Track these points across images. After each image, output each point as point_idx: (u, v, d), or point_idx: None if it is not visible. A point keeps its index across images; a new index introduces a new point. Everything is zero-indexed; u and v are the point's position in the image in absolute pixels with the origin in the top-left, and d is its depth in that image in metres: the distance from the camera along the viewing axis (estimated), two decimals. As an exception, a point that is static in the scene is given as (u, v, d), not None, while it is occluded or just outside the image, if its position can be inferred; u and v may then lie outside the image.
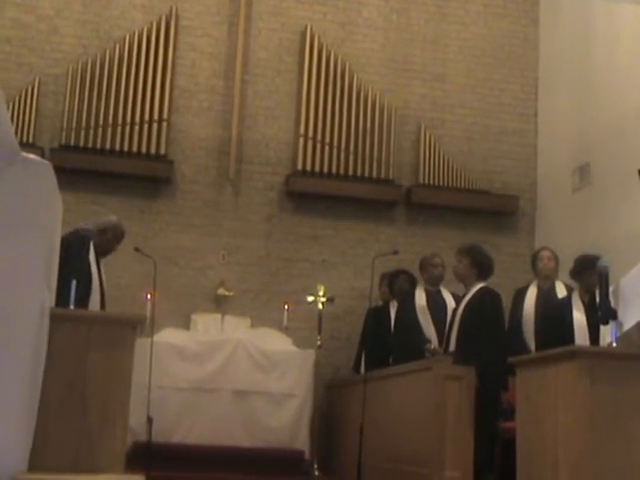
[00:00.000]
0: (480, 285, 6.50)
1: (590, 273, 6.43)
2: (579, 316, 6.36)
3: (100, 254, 6.57)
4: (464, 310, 6.47)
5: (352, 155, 9.73)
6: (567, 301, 6.59)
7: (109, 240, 6.67)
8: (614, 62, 8.73)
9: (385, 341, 7.85)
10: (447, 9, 10.40)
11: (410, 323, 7.40)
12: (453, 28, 10.37)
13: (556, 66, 10.04)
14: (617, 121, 8.54)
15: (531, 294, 7.20)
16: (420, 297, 7.53)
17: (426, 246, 9.74)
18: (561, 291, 7.02)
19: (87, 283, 5.87)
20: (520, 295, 7.30)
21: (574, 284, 6.75)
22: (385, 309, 8.34)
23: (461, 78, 10.28)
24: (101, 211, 8.97)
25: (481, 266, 6.58)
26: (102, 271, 6.63)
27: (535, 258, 7.35)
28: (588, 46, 9.24)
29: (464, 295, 6.63)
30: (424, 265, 7.79)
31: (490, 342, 6.15)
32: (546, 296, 7.04)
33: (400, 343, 7.47)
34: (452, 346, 6.46)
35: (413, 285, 7.99)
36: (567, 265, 6.81)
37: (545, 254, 7.28)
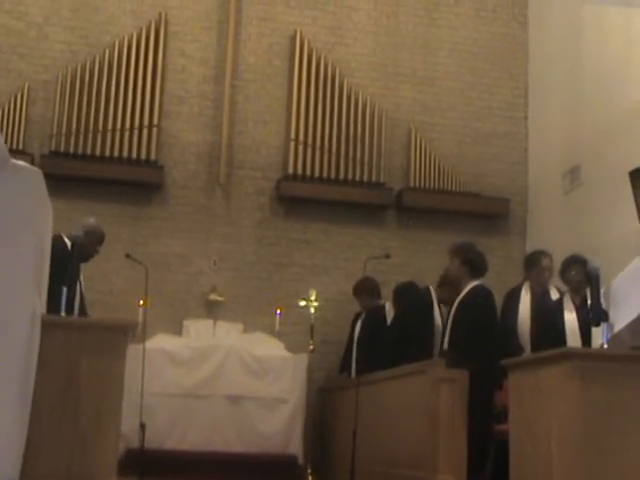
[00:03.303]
0: (474, 284, 6.47)
1: (570, 270, 6.47)
2: (571, 318, 6.37)
3: (82, 259, 6.54)
4: (456, 310, 6.46)
5: (343, 159, 9.74)
6: (559, 304, 6.59)
7: (91, 243, 6.65)
8: (604, 65, 8.75)
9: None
10: (437, 13, 10.42)
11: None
12: (443, 32, 10.39)
13: (546, 69, 10.07)
14: (607, 123, 8.57)
15: (525, 298, 7.11)
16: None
17: (417, 250, 9.79)
18: (554, 294, 7.00)
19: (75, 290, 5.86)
20: (513, 297, 7.17)
21: (564, 287, 6.76)
22: (381, 312, 8.35)
23: (451, 81, 10.30)
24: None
25: (473, 264, 6.53)
26: (81, 275, 6.60)
27: (534, 264, 7.09)
28: (578, 49, 9.26)
29: (458, 294, 6.60)
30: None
31: (482, 342, 6.13)
32: (540, 299, 7.01)
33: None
34: (445, 345, 6.46)
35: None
36: (558, 267, 6.84)
37: (547, 265, 7.02)
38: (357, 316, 8.86)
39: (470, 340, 6.16)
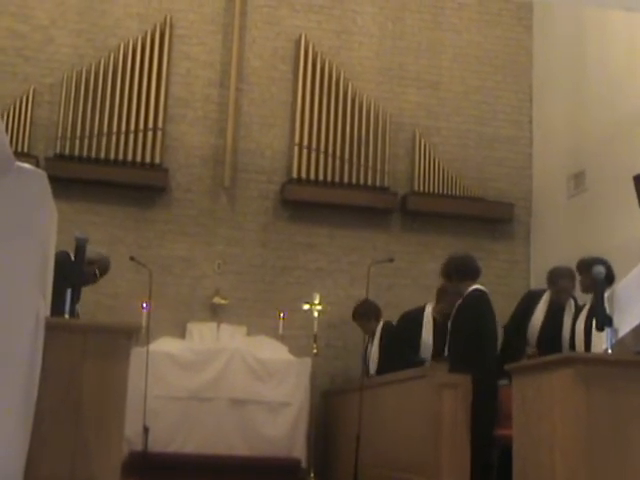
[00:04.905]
0: (471, 288, 6.51)
1: (580, 275, 6.48)
2: (580, 323, 6.36)
3: (82, 281, 6.49)
4: (453, 316, 6.57)
5: (347, 163, 9.74)
6: (577, 311, 6.58)
7: (94, 273, 6.62)
8: (607, 69, 8.75)
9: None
10: (442, 17, 10.42)
11: None
12: (447, 36, 10.39)
13: (550, 73, 10.06)
14: (611, 128, 8.56)
15: (543, 306, 7.03)
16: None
17: (422, 253, 9.78)
18: (569, 307, 6.89)
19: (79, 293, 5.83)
20: (532, 302, 7.04)
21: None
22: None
23: (456, 86, 10.30)
24: (96, 221, 9.00)
25: (457, 273, 6.58)
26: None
27: (553, 282, 6.90)
28: (582, 53, 9.26)
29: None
30: None
31: (477, 347, 6.16)
32: (554, 311, 6.94)
33: None
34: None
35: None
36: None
37: (564, 286, 6.82)
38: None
39: (466, 345, 6.19)
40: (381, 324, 8.41)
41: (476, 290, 6.48)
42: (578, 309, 6.63)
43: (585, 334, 6.11)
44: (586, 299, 6.65)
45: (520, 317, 6.99)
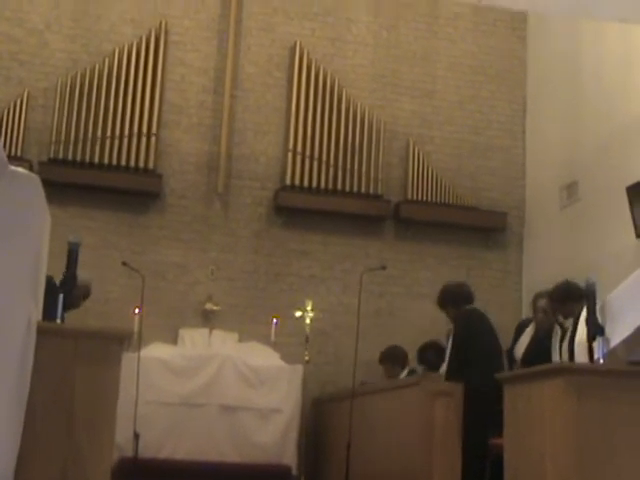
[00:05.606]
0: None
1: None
2: (565, 343, 6.37)
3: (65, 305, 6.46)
4: (451, 335, 6.77)
5: (341, 170, 9.75)
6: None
7: (77, 296, 6.58)
8: (601, 80, 8.79)
9: None
10: (436, 26, 10.45)
11: None
12: (442, 45, 10.42)
13: (544, 83, 10.10)
14: (604, 139, 8.59)
15: (530, 331, 7.07)
16: None
17: (414, 262, 9.79)
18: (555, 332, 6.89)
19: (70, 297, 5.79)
20: (522, 328, 7.12)
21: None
22: None
23: (450, 95, 10.32)
24: (90, 226, 8.98)
25: (452, 302, 6.74)
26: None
27: (532, 305, 7.00)
28: (576, 64, 9.30)
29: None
30: None
31: (464, 361, 6.29)
32: (539, 338, 6.95)
33: None
34: None
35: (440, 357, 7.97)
36: (555, 281, 6.82)
37: (540, 306, 6.80)
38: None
39: (457, 360, 6.37)
40: (406, 371, 8.44)
41: (468, 308, 6.60)
42: (564, 331, 6.62)
43: (569, 350, 6.11)
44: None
45: (512, 342, 7.11)
